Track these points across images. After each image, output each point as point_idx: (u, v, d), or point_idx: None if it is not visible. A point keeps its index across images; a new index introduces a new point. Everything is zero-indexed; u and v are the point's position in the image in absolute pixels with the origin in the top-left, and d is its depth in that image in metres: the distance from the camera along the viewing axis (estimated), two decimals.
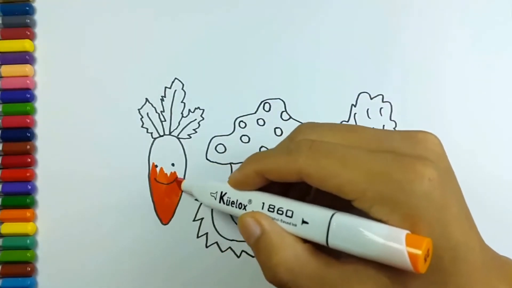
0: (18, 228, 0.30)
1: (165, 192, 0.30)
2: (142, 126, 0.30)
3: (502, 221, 0.29)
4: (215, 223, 0.30)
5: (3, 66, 0.31)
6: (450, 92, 0.30)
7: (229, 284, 0.29)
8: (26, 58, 0.31)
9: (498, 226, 0.29)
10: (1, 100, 0.31)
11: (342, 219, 0.19)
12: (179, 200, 0.30)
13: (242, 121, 0.30)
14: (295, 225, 0.20)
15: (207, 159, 0.30)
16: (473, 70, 0.30)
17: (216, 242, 0.30)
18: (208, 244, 0.30)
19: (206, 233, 0.30)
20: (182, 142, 0.30)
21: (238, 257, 0.30)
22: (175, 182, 0.30)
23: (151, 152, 0.30)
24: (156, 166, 0.30)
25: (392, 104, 0.30)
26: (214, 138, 0.30)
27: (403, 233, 0.17)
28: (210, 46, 0.31)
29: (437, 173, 0.18)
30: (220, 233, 0.30)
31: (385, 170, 0.18)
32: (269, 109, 0.30)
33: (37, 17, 0.32)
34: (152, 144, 0.30)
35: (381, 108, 0.30)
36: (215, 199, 0.25)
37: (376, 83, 0.30)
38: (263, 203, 0.22)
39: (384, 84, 0.30)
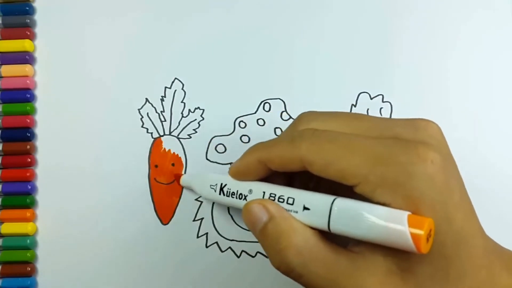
0: (18, 228, 0.30)
1: (165, 192, 0.30)
2: (142, 126, 0.30)
3: (505, 217, 0.29)
4: (215, 223, 0.30)
5: (3, 66, 0.31)
6: (451, 92, 0.30)
7: (229, 284, 0.29)
8: (26, 58, 0.31)
9: (501, 222, 0.29)
10: (1, 100, 0.31)
11: (344, 204, 0.19)
12: (179, 200, 0.30)
13: (242, 121, 0.30)
14: (297, 212, 0.20)
15: (207, 159, 0.30)
16: (473, 70, 0.30)
17: (216, 242, 0.30)
18: (208, 244, 0.30)
19: (206, 233, 0.30)
20: (182, 142, 0.30)
21: (238, 257, 0.30)
22: (174, 177, 0.30)
23: (151, 152, 0.30)
24: (156, 166, 0.30)
25: (392, 104, 0.30)
26: (214, 138, 0.30)
27: (404, 214, 0.17)
28: (210, 46, 0.31)
29: (439, 157, 0.18)
30: (220, 233, 0.30)
31: (387, 154, 0.18)
32: (269, 109, 0.30)
33: (37, 17, 0.32)
34: (152, 144, 0.30)
35: (381, 108, 0.30)
36: (215, 191, 0.25)
37: (376, 83, 0.30)
38: (264, 192, 0.22)
39: (384, 84, 0.30)
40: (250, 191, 0.23)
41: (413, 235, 0.17)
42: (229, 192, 0.24)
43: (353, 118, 0.21)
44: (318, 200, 0.20)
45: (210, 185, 0.25)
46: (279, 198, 0.21)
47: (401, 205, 0.18)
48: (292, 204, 0.21)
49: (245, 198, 0.23)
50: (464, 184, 0.20)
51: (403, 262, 0.19)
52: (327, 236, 0.20)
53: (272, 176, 0.23)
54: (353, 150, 0.19)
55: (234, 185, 0.24)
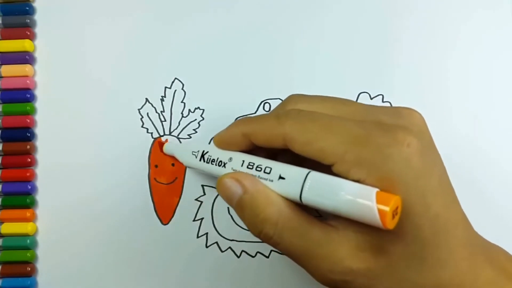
0: (18, 228, 0.30)
1: (165, 192, 0.30)
2: (142, 126, 0.30)
3: (506, 215, 0.29)
4: (215, 223, 0.30)
5: (3, 66, 0.31)
6: (451, 92, 0.30)
7: (229, 284, 0.29)
8: (26, 58, 0.31)
9: (501, 220, 0.29)
10: (1, 100, 0.31)
11: (317, 176, 0.20)
12: (179, 200, 0.30)
13: None
14: (272, 181, 0.21)
15: None
16: (473, 70, 0.30)
17: (216, 242, 0.30)
18: (208, 244, 0.30)
19: (206, 233, 0.30)
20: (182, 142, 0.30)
21: (238, 257, 0.30)
22: (158, 145, 0.30)
23: (151, 152, 0.30)
24: (156, 166, 0.30)
25: (392, 104, 0.30)
26: None
27: (373, 190, 0.18)
28: (210, 46, 0.31)
29: (417, 141, 0.18)
30: (220, 233, 0.30)
31: (365, 135, 0.19)
32: (269, 109, 0.30)
33: (37, 17, 0.32)
34: (152, 144, 0.30)
35: None
36: (196, 157, 0.25)
37: (376, 83, 0.30)
38: (243, 160, 0.22)
39: (384, 84, 0.30)
40: (230, 159, 0.23)
41: (380, 211, 0.17)
42: (210, 159, 0.24)
43: (339, 103, 0.22)
44: (294, 171, 0.20)
45: (192, 151, 0.26)
46: (257, 167, 0.22)
47: (375, 186, 0.18)
48: (268, 174, 0.21)
49: (224, 166, 0.23)
50: (445, 172, 0.20)
51: (376, 240, 0.19)
52: (308, 210, 0.21)
53: (255, 153, 0.23)
54: (332, 130, 0.19)
55: (216, 152, 0.24)
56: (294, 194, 0.20)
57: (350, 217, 0.18)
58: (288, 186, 0.20)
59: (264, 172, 0.21)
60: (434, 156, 0.20)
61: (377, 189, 0.18)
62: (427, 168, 0.18)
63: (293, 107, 0.22)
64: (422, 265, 0.18)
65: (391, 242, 0.19)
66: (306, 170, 0.20)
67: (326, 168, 0.19)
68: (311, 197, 0.19)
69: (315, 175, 0.20)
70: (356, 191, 0.18)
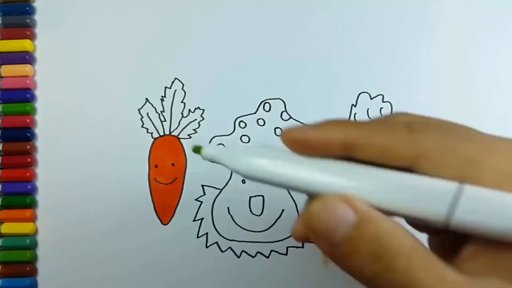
0: (18, 228, 0.30)
1: (165, 192, 0.30)
2: (142, 126, 0.30)
3: None
4: (215, 223, 0.30)
5: (3, 66, 0.31)
6: (450, 93, 0.30)
7: (229, 284, 0.29)
8: (26, 58, 0.31)
9: None
10: (1, 100, 0.31)
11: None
12: (179, 200, 0.30)
13: (242, 121, 0.30)
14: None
15: None
16: (473, 71, 0.30)
17: (216, 242, 0.30)
18: (208, 244, 0.30)
19: (206, 233, 0.30)
20: (182, 142, 0.30)
21: (238, 257, 0.30)
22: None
23: (151, 152, 0.30)
24: (156, 166, 0.30)
25: (392, 104, 0.30)
26: (214, 138, 0.30)
27: None
28: (210, 46, 0.31)
29: None
30: (220, 233, 0.30)
31: None
32: (269, 109, 0.30)
33: (37, 17, 0.32)
34: (152, 144, 0.30)
35: (381, 108, 0.30)
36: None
37: (376, 83, 0.30)
38: None
39: (384, 84, 0.30)
40: None
41: None
42: None
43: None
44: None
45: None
46: None
47: None
48: None
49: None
50: None
51: None
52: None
53: None
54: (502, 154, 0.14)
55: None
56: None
57: None
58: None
59: None
60: None
61: None
62: None
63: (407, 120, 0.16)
64: None
65: None
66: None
67: None
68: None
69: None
70: None
